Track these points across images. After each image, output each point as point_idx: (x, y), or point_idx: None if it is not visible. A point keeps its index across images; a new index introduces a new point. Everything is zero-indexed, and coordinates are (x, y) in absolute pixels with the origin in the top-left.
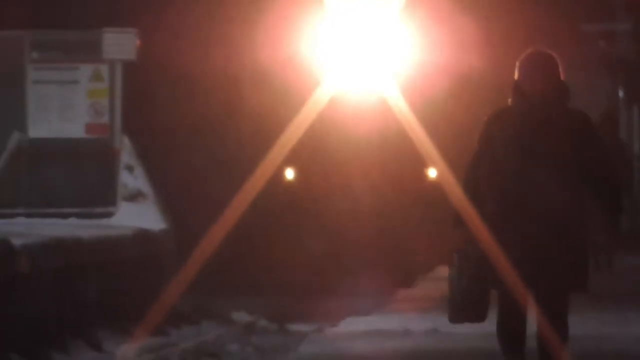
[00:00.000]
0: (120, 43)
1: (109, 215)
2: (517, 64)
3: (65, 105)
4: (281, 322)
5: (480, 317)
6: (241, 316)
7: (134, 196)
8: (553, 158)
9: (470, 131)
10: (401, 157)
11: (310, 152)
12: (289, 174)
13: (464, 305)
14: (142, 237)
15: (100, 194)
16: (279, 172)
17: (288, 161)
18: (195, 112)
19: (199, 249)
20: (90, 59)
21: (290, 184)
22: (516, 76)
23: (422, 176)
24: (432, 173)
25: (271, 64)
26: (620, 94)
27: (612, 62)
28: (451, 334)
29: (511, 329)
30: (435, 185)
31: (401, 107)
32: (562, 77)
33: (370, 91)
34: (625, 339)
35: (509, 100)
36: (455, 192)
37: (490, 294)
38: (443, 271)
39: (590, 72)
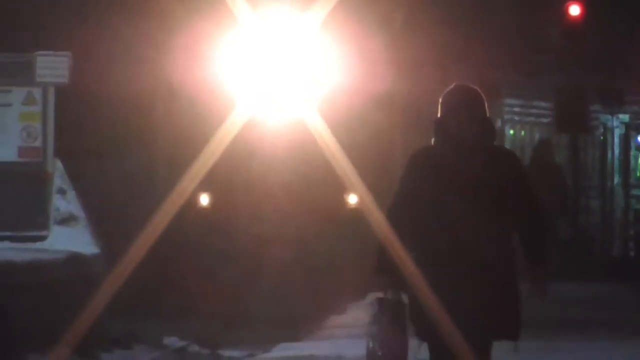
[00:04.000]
0: (53, 66)
1: (41, 238)
2: (440, 100)
3: None
4: (212, 347)
5: None
6: (173, 341)
7: (66, 220)
8: (479, 202)
9: (391, 155)
10: (320, 182)
11: (226, 176)
12: (204, 199)
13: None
14: (74, 260)
15: (33, 218)
16: (194, 197)
17: (203, 186)
18: (122, 135)
19: (114, 273)
20: (23, 81)
21: (205, 209)
22: (439, 113)
23: (342, 202)
24: (351, 199)
25: (190, 86)
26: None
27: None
28: None
29: None
30: (356, 212)
31: (320, 130)
32: (487, 114)
33: (288, 114)
34: None
35: (432, 139)
36: (379, 233)
37: (408, 346)
38: (375, 296)
39: None
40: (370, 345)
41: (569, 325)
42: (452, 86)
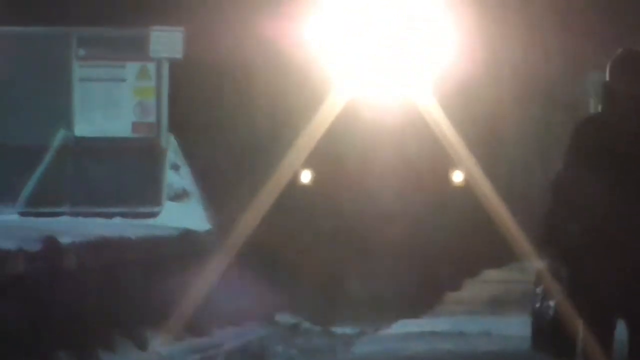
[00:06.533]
0: (168, 41)
1: (154, 215)
2: (609, 64)
3: (111, 104)
4: (324, 324)
5: (568, 352)
6: (284, 318)
7: (180, 196)
8: None
9: (507, 133)
10: (426, 159)
11: (331, 153)
12: (307, 176)
13: (551, 336)
14: (187, 237)
15: (146, 193)
16: (298, 174)
17: (308, 163)
18: (235, 110)
19: (224, 249)
20: (137, 57)
21: (309, 186)
22: (607, 77)
23: (450, 180)
24: (459, 177)
25: (301, 61)
26: None
27: None
28: (504, 336)
29: (596, 353)
30: (462, 190)
31: (429, 107)
32: None
33: (395, 90)
34: None
35: (599, 106)
36: (545, 207)
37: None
38: (490, 275)
39: None
40: (536, 319)
41: None
42: (620, 51)
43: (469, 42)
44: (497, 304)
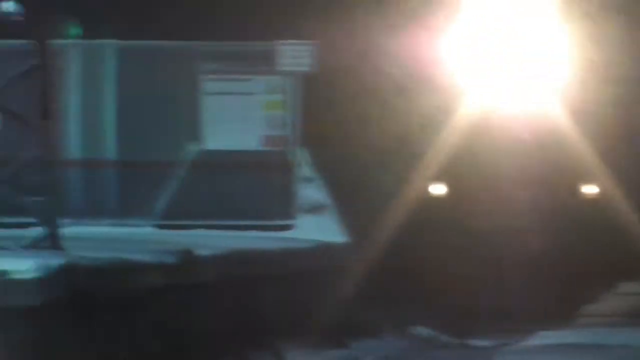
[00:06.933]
0: (297, 55)
1: (289, 227)
2: None
3: (241, 117)
4: (461, 337)
5: None
6: (421, 330)
7: (314, 208)
8: None
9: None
10: (557, 173)
11: (459, 167)
12: (437, 189)
13: None
14: (323, 250)
15: (279, 206)
16: (428, 188)
17: (437, 176)
18: (367, 123)
19: (360, 262)
20: (266, 70)
21: (438, 200)
22: None
23: (581, 192)
24: (591, 189)
25: (426, 75)
26: None
27: None
28: None
29: None
30: (597, 202)
31: (559, 119)
32: None
33: (523, 103)
34: None
35: None
36: None
37: None
38: (628, 287)
39: None
40: None
41: None
42: None
43: (601, 55)
44: (637, 317)
